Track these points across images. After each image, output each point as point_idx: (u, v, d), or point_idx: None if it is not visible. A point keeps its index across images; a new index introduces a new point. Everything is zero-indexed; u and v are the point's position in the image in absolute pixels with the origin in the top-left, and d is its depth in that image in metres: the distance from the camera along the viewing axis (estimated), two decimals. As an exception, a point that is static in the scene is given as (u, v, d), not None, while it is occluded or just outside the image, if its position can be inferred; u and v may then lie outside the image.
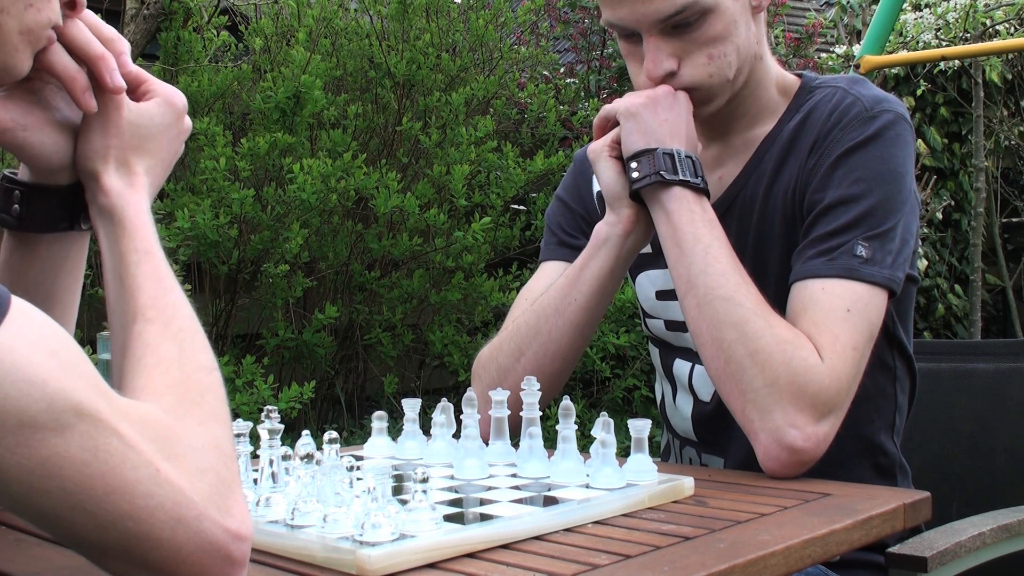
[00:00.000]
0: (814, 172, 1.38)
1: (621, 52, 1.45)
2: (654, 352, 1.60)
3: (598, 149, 1.43)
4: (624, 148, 1.39)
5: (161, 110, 0.97)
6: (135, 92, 0.98)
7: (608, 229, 1.42)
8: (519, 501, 1.08)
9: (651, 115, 1.37)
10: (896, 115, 1.39)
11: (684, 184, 1.34)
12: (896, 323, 1.45)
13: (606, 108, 1.44)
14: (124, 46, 0.97)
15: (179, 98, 0.99)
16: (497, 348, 1.50)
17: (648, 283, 1.55)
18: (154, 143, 0.96)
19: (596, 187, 1.58)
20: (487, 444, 1.26)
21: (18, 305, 0.71)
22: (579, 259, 1.45)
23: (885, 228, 1.33)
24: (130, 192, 0.93)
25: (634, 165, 1.36)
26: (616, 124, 1.42)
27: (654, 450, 1.18)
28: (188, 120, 1.01)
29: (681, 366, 1.52)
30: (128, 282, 0.88)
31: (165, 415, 0.77)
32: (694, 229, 1.32)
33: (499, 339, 1.51)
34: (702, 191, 1.36)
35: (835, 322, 1.27)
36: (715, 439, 1.47)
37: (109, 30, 0.97)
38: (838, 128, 1.38)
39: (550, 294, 1.47)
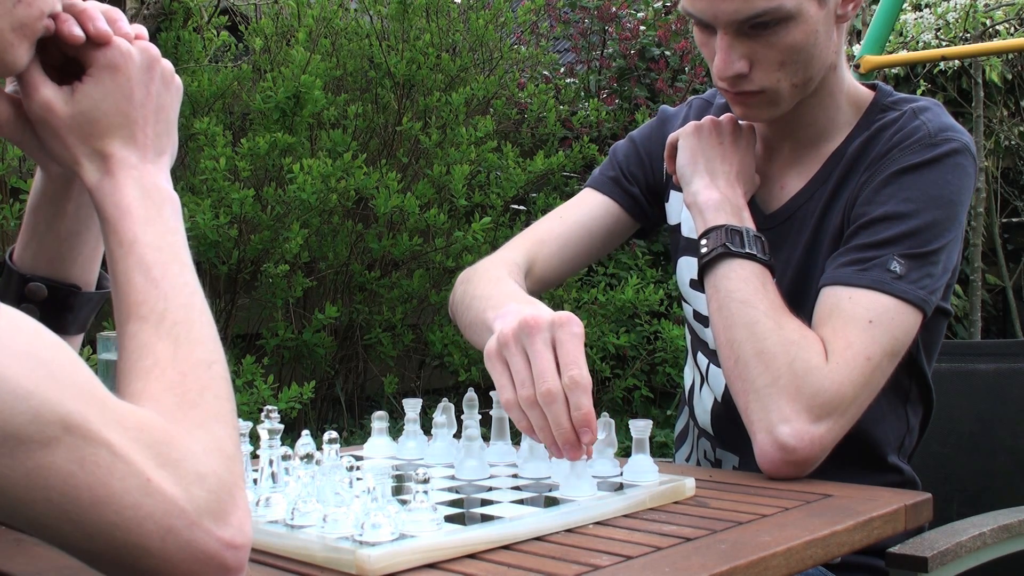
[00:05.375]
0: (864, 187, 1.38)
1: (695, 40, 1.43)
2: (688, 337, 1.62)
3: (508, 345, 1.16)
4: (677, 166, 1.47)
5: (101, 82, 0.89)
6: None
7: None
8: (520, 502, 1.08)
9: (702, 139, 1.44)
10: (961, 144, 1.37)
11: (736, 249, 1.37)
12: (920, 351, 1.44)
13: (671, 135, 1.50)
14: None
15: (121, 56, 0.90)
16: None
17: (686, 268, 1.56)
18: (119, 116, 0.89)
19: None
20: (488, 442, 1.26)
21: (5, 313, 0.70)
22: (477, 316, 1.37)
23: (926, 250, 1.31)
24: (105, 181, 0.88)
25: (704, 242, 1.38)
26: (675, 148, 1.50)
27: (655, 450, 1.18)
28: (148, 60, 0.91)
29: (701, 360, 1.54)
30: (118, 279, 0.85)
31: (163, 420, 0.76)
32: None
33: (489, 258, 1.54)
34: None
35: (854, 330, 1.27)
36: (730, 437, 1.48)
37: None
38: (897, 149, 1.37)
39: (484, 279, 1.44)
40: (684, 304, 1.59)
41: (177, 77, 0.96)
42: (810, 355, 1.24)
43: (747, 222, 1.38)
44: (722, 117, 1.47)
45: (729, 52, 1.34)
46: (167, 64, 0.94)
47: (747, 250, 1.33)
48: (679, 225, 1.59)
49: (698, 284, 1.44)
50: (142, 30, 0.94)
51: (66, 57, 0.91)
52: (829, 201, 1.43)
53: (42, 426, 0.67)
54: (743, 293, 1.30)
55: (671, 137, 1.50)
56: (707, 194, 1.40)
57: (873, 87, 1.50)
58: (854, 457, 1.32)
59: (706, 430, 1.53)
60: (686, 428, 1.62)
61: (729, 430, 1.47)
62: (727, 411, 1.44)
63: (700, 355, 1.54)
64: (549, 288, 1.60)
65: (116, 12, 0.93)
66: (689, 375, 1.60)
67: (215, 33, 4.25)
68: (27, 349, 0.69)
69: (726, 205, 1.38)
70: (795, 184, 1.47)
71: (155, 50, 0.93)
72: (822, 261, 1.40)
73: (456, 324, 1.52)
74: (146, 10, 4.10)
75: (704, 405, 1.53)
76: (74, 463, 0.69)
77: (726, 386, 1.41)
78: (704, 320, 1.50)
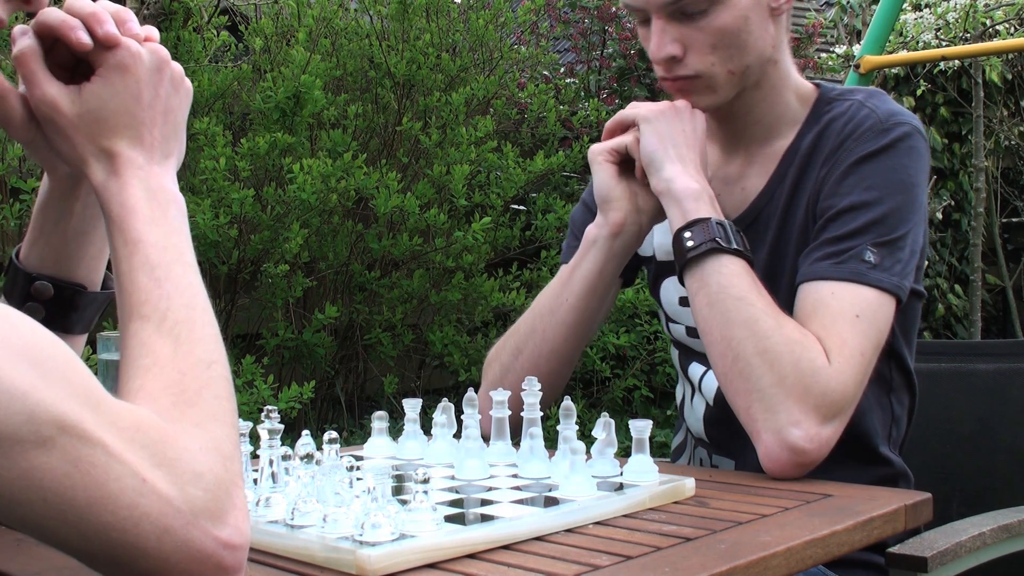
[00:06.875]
0: (826, 180, 1.39)
1: (639, 38, 1.47)
2: (674, 353, 1.61)
3: (597, 150, 1.46)
4: (642, 150, 1.40)
5: (109, 81, 0.88)
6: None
7: (596, 231, 1.45)
8: (520, 502, 1.08)
9: (667, 124, 1.39)
10: (911, 127, 1.39)
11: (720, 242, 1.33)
12: (898, 336, 1.44)
13: (621, 112, 1.46)
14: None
15: (131, 56, 0.89)
16: (500, 347, 1.55)
17: (672, 289, 1.56)
18: (126, 116, 0.89)
19: None
20: (489, 443, 1.26)
21: (2, 312, 0.70)
22: (572, 260, 1.48)
23: (895, 236, 1.33)
24: (112, 181, 0.88)
25: (688, 235, 1.34)
26: (625, 131, 1.45)
27: (655, 450, 1.18)
28: (157, 61, 0.91)
29: (696, 368, 1.53)
30: (121, 278, 0.85)
31: (159, 419, 0.75)
32: None
33: (504, 338, 1.56)
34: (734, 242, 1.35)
35: (844, 327, 1.27)
36: (725, 441, 1.48)
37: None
38: (851, 139, 1.39)
39: (545, 294, 1.51)
40: (672, 325, 1.57)
41: (187, 80, 0.95)
42: (814, 355, 1.24)
43: (721, 214, 1.37)
44: (677, 103, 1.44)
45: (662, 35, 1.38)
46: (177, 67, 0.94)
47: (734, 246, 1.33)
48: (652, 256, 1.59)
49: (687, 301, 1.42)
50: (153, 32, 0.94)
51: (77, 58, 0.91)
52: (789, 199, 1.43)
53: (37, 426, 0.67)
54: (738, 289, 1.29)
55: (621, 116, 1.45)
56: (683, 182, 1.36)
57: (816, 84, 1.52)
58: (845, 451, 1.31)
59: (701, 438, 1.53)
60: (683, 442, 1.62)
61: (723, 434, 1.47)
62: (720, 413, 1.44)
63: (694, 365, 1.53)
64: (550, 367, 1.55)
65: (127, 13, 0.92)
66: (680, 390, 1.61)
67: (215, 33, 4.25)
68: (23, 349, 0.69)
69: (704, 196, 1.36)
70: (755, 185, 1.48)
71: (165, 52, 0.93)
72: (790, 260, 1.41)
73: (513, 359, 1.51)
74: (146, 10, 4.10)
75: (696, 414, 1.52)
76: (69, 463, 0.68)
77: (718, 388, 1.40)
78: (697, 333, 1.49)
